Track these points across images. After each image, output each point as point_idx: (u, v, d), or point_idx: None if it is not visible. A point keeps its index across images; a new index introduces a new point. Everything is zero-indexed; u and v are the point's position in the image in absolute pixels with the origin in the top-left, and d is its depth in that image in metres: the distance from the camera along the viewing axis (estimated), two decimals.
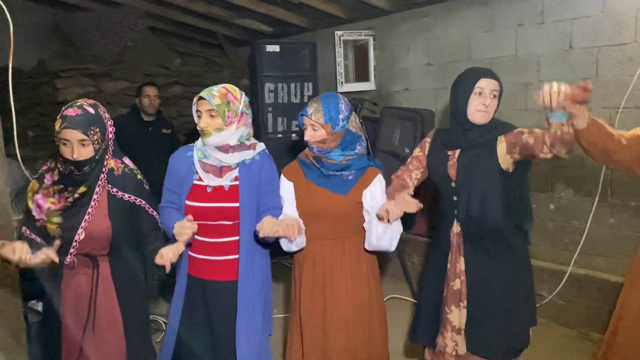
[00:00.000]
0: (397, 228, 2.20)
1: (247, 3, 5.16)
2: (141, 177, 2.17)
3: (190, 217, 2.04)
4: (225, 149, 2.13)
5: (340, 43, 5.14)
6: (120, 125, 4.16)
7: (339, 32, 5.15)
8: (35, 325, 3.06)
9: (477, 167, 2.20)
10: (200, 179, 2.19)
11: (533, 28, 3.94)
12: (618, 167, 2.14)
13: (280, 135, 4.56)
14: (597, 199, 3.55)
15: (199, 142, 2.21)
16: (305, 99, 4.70)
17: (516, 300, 2.27)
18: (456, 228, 2.29)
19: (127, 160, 2.18)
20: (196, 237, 2.18)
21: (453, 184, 2.26)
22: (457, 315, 2.30)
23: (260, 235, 2.01)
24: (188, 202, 2.18)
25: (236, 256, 2.21)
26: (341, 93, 5.11)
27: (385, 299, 4.09)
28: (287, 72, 4.59)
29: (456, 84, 2.27)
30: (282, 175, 2.32)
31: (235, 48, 6.68)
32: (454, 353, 2.32)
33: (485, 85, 2.18)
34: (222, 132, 2.10)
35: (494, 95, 2.20)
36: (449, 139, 2.31)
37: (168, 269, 1.97)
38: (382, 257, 4.93)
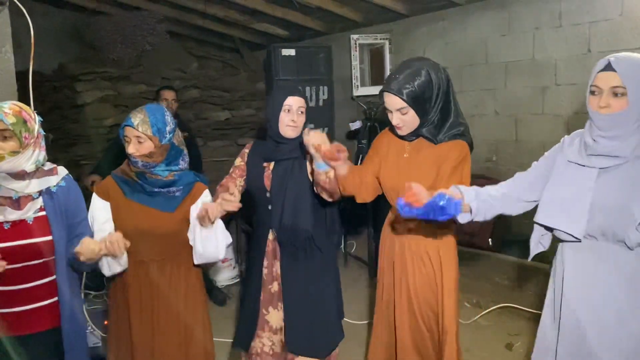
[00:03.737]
0: (222, 233, 2.14)
1: (264, 7, 5.20)
2: None
3: None
4: (20, 175, 1.83)
5: (356, 47, 5.15)
6: None
7: (354, 36, 5.16)
8: None
9: (289, 178, 2.36)
10: None
11: (551, 31, 3.91)
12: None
13: None
14: None
15: None
16: (321, 103, 4.71)
17: (328, 299, 2.48)
18: (271, 235, 2.42)
19: None
20: None
21: (268, 194, 2.39)
22: (275, 316, 2.44)
23: (82, 259, 1.82)
24: None
25: (54, 299, 1.92)
26: (357, 96, 5.14)
27: None
28: (302, 76, 4.60)
29: (268, 102, 2.44)
30: (94, 194, 2.13)
31: (252, 52, 6.72)
32: (271, 352, 2.46)
33: (292, 102, 2.33)
34: (18, 155, 1.79)
35: (301, 112, 2.35)
36: (264, 151, 2.45)
37: None
38: None
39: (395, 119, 2.09)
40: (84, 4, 5.76)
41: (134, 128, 2.01)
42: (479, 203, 1.87)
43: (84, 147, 5.07)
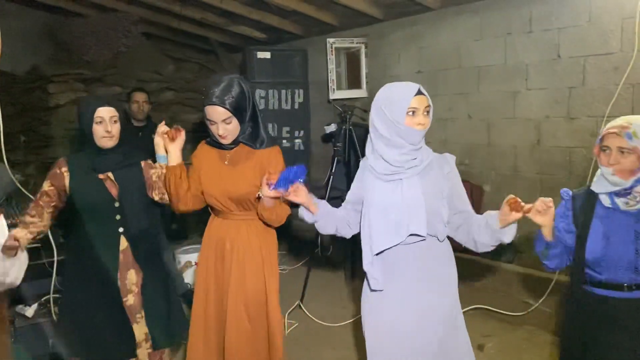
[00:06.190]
0: (25, 258, 2.09)
1: (241, 10, 5.19)
2: None
3: None
4: None
5: (332, 50, 5.18)
6: None
7: (330, 40, 5.19)
8: (24, 329, 3.08)
9: (134, 184, 2.44)
10: None
11: (521, 37, 3.98)
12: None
13: None
14: None
15: None
16: (296, 106, 4.73)
17: (172, 294, 2.62)
18: (123, 245, 2.42)
19: None
20: None
21: (116, 204, 2.40)
22: (136, 330, 2.45)
23: None
24: None
25: None
26: (333, 100, 5.16)
27: None
28: (278, 79, 4.61)
29: (79, 114, 2.41)
30: None
31: (229, 54, 6.71)
32: None
33: (103, 114, 2.34)
34: None
35: (115, 121, 2.37)
36: (93, 164, 2.40)
37: None
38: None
39: (220, 129, 2.21)
40: (58, 4, 5.69)
41: None
42: (326, 210, 2.09)
43: (56, 149, 5.00)
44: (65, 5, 5.70)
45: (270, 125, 4.59)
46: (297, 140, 4.71)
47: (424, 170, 1.98)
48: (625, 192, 1.80)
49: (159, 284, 2.52)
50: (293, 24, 5.62)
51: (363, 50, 5.21)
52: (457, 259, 4.45)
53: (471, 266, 4.24)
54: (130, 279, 2.42)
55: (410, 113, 1.91)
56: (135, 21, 5.70)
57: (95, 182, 2.38)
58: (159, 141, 2.35)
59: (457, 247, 4.39)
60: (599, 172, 1.88)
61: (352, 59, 5.40)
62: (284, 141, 4.61)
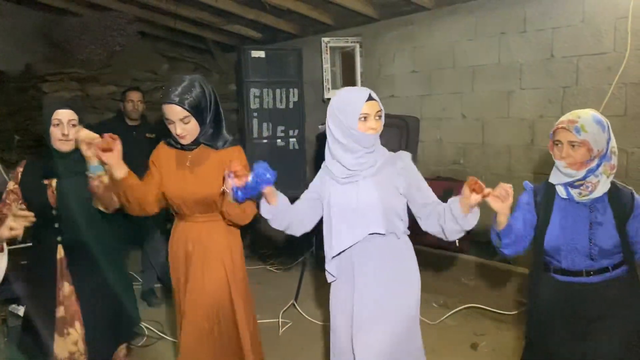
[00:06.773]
0: (6, 256, 2.11)
1: (236, 9, 5.19)
2: None
3: None
4: None
5: (327, 50, 5.18)
6: (103, 129, 4.19)
7: (325, 39, 5.19)
8: (17, 328, 3.07)
9: (76, 193, 2.35)
10: None
11: (515, 37, 3.99)
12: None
13: (265, 141, 4.57)
14: None
15: None
16: (291, 105, 4.72)
17: (123, 302, 2.53)
18: (60, 254, 2.37)
19: None
20: None
21: (54, 212, 2.34)
22: (60, 344, 2.36)
23: None
24: None
25: None
26: (328, 99, 5.17)
27: None
28: (272, 78, 4.60)
29: (43, 115, 2.38)
30: None
31: (224, 53, 6.70)
32: None
33: (61, 116, 2.30)
34: None
35: (73, 125, 2.32)
36: (43, 168, 2.38)
37: None
38: None
39: (178, 128, 2.18)
40: (53, 3, 5.67)
41: None
42: (284, 204, 2.11)
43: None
44: (59, 3, 5.68)
45: (264, 125, 4.59)
46: (291, 140, 4.70)
47: (377, 170, 2.06)
48: (578, 184, 1.90)
49: (98, 298, 2.42)
50: (288, 23, 5.63)
51: (358, 50, 5.21)
52: (452, 258, 4.48)
53: (465, 265, 4.26)
54: (64, 290, 2.36)
55: (362, 119, 1.99)
56: (130, 20, 5.68)
57: (38, 187, 2.34)
58: (86, 150, 2.19)
59: (452, 247, 4.39)
60: (555, 165, 1.96)
61: (347, 58, 5.40)
62: (279, 140, 4.59)
